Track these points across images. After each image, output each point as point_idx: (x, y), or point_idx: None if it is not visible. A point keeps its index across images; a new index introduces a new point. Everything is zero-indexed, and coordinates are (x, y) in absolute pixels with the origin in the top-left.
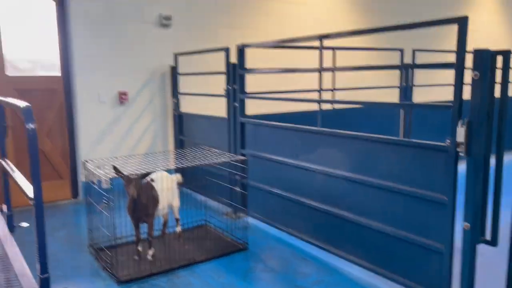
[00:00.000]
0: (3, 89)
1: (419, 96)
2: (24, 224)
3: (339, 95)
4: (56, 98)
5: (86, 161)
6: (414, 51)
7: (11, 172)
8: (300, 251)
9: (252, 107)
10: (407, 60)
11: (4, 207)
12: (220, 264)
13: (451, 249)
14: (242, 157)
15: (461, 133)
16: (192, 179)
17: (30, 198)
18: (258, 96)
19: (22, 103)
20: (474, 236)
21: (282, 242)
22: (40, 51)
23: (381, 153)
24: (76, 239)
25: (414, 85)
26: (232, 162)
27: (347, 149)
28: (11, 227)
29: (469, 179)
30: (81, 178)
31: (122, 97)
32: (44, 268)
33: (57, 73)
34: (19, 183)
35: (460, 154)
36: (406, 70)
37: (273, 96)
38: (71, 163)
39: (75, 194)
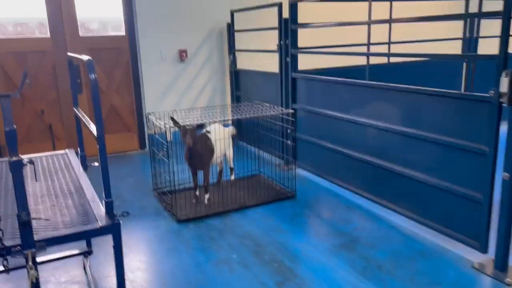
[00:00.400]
0: (77, 48)
1: (485, 49)
2: (95, 164)
3: (397, 49)
4: (123, 56)
5: (149, 114)
6: None
7: (82, 118)
8: (346, 200)
9: (304, 63)
10: (473, 9)
11: (78, 150)
12: (269, 209)
13: (490, 199)
14: (291, 111)
15: (504, 84)
16: (246, 132)
17: (95, 137)
18: (309, 50)
19: (85, 57)
20: None
21: (329, 192)
22: (108, 12)
23: (426, 105)
24: (142, 184)
25: (480, 37)
26: (280, 115)
27: (394, 102)
28: (85, 166)
29: (511, 129)
30: (147, 130)
31: (182, 55)
32: (108, 194)
33: (123, 32)
34: (89, 126)
35: (503, 105)
36: (472, 19)
37: (323, 51)
38: (138, 117)
39: (142, 145)
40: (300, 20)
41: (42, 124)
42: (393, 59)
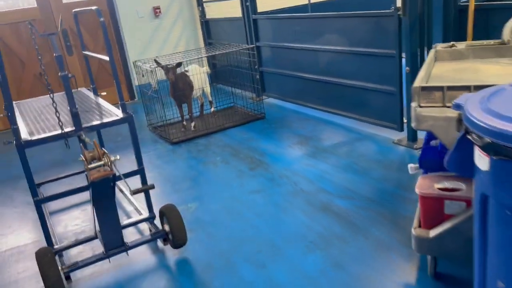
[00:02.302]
0: (62, 14)
1: None
2: (104, 93)
3: None
4: (103, 17)
5: (135, 61)
6: None
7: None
8: (304, 114)
9: (265, 5)
10: None
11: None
12: (243, 128)
13: (400, 90)
14: (251, 45)
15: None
16: (222, 75)
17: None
18: None
19: (93, 7)
20: (413, 77)
21: (291, 111)
22: None
23: (353, 26)
24: (138, 124)
25: None
26: (247, 51)
27: (330, 28)
28: (96, 94)
29: (406, 33)
30: (135, 82)
31: (156, 11)
32: (121, 96)
33: None
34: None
35: (401, 16)
36: None
37: None
38: (124, 71)
39: (132, 96)
40: None
41: (42, 84)
42: None
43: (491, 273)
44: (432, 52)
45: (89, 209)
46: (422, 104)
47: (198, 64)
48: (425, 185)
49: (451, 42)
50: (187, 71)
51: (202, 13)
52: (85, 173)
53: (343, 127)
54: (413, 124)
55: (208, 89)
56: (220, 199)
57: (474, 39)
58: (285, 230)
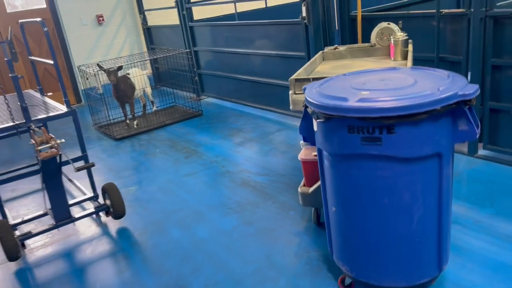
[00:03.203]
0: (7, 23)
1: None
2: (49, 94)
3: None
4: (48, 26)
5: (80, 66)
6: None
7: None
8: (238, 111)
9: (200, 13)
10: None
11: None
12: (182, 124)
13: None
14: (187, 50)
15: (303, 10)
16: (164, 78)
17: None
18: (198, 3)
19: (37, 19)
20: None
21: (227, 108)
22: None
23: (273, 32)
24: (84, 124)
25: None
26: (180, 54)
27: (254, 34)
28: (43, 95)
29: (311, 38)
30: (81, 86)
31: (99, 19)
32: (67, 101)
33: (44, 5)
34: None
35: (306, 24)
36: None
37: (209, 2)
38: (70, 76)
39: (78, 100)
40: None
41: None
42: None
43: (329, 202)
44: (320, 53)
45: (37, 197)
46: (296, 92)
47: (140, 68)
48: (306, 153)
49: (335, 46)
50: (128, 74)
51: (144, 20)
52: (35, 154)
53: (270, 120)
54: (291, 107)
55: (149, 90)
56: (157, 182)
57: (363, 41)
58: (209, 201)
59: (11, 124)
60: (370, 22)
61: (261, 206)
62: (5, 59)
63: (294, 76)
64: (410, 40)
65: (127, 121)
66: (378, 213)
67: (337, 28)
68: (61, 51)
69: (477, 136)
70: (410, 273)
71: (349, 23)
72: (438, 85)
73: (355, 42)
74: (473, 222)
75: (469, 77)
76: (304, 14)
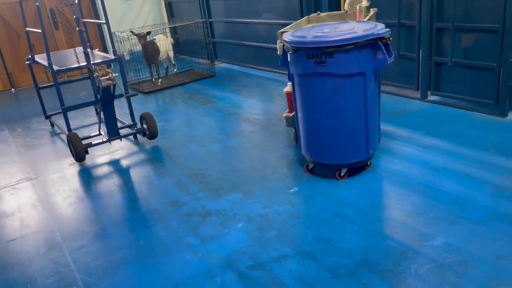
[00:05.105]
0: None
1: None
2: (97, 49)
3: None
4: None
5: (114, 32)
6: None
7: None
8: (245, 73)
9: None
10: None
11: None
12: (199, 83)
13: None
14: (203, 20)
15: None
16: (184, 46)
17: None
18: None
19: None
20: None
21: (236, 71)
22: None
23: (274, 3)
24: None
25: None
26: (197, 23)
27: (261, 5)
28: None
29: (304, 6)
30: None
31: None
32: (113, 45)
33: None
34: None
35: None
36: None
37: None
38: (102, 42)
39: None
40: None
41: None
42: None
43: (298, 111)
44: (305, 18)
45: (94, 124)
46: (281, 42)
47: (164, 35)
48: (289, 88)
49: (318, 12)
50: (155, 39)
51: None
52: (97, 84)
53: (270, 79)
54: (278, 52)
55: (171, 54)
56: (180, 120)
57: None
58: (219, 131)
59: (77, 65)
60: None
61: (258, 133)
62: (74, 16)
63: (280, 30)
64: (374, 8)
65: (153, 79)
66: (326, 113)
67: None
68: (94, 19)
69: (388, 63)
70: (348, 155)
71: None
72: (365, 29)
73: (339, 9)
74: (407, 138)
75: (421, 38)
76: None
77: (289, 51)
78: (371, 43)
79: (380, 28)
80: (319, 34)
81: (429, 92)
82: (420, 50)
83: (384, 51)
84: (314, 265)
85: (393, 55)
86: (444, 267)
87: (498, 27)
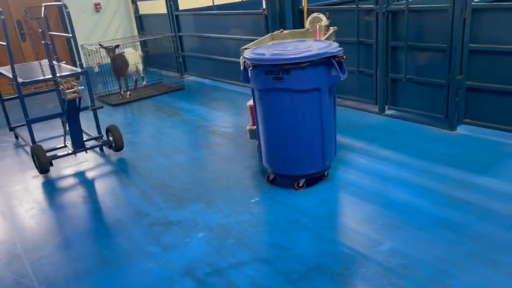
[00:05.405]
0: (17, 7)
1: None
2: (63, 62)
3: None
4: (53, 12)
5: (82, 45)
6: None
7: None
8: (214, 86)
9: (186, 4)
10: None
11: None
12: (167, 95)
13: None
14: (172, 34)
15: (264, 3)
16: (154, 60)
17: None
18: None
19: (58, 2)
20: None
21: (205, 85)
22: None
23: (242, 21)
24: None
25: None
26: (166, 38)
27: (228, 22)
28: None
29: (270, 25)
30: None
31: (97, 7)
32: (81, 63)
33: None
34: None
35: (266, 14)
36: None
37: None
38: (70, 55)
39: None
40: None
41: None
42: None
43: (258, 124)
44: (269, 35)
45: (59, 137)
46: (243, 57)
47: (133, 48)
48: (252, 101)
49: (281, 29)
50: (124, 52)
51: (136, 9)
52: (62, 97)
53: (240, 93)
54: (241, 68)
55: (140, 67)
56: (147, 132)
57: None
58: (186, 143)
59: (42, 78)
60: (312, 13)
61: (224, 145)
62: (40, 30)
63: (243, 47)
64: (334, 27)
65: (122, 92)
66: (284, 126)
67: None
68: (63, 31)
69: (341, 79)
70: (305, 166)
71: (298, 13)
72: (320, 47)
73: (302, 27)
74: (364, 150)
75: (378, 55)
76: (264, 6)
77: (250, 67)
78: (326, 61)
79: (334, 47)
80: (278, 52)
81: (386, 107)
82: (378, 67)
83: (337, 68)
84: (268, 270)
85: (346, 72)
86: (389, 270)
87: (446, 46)
